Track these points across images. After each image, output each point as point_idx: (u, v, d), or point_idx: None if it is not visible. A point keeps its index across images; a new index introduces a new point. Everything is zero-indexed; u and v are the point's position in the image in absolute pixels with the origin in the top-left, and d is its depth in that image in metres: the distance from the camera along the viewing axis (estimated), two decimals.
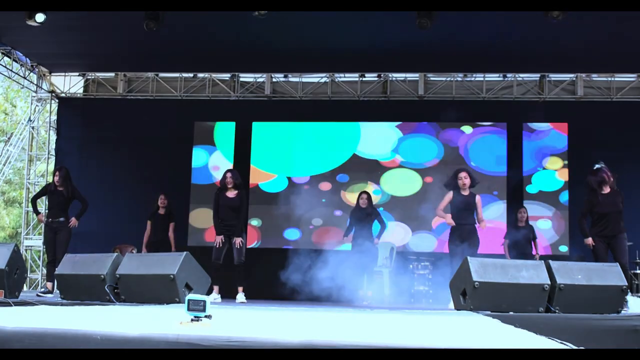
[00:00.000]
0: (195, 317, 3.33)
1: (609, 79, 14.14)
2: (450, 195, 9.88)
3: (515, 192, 13.69)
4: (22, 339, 2.84)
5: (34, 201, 11.01)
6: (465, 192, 9.84)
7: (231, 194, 10.24)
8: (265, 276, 12.42)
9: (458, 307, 7.53)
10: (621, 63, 13.40)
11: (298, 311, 6.69)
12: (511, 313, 6.80)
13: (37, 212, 10.84)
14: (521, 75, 14.25)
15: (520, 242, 11.80)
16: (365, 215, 11.58)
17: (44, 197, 11.85)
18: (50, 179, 15.14)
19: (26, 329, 2.91)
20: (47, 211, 11.21)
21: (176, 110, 14.59)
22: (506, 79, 14.33)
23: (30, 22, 10.87)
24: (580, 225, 9.64)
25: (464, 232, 9.66)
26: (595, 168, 9.65)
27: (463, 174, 9.88)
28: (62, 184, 10.62)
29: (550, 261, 7.59)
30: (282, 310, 6.71)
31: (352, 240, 11.50)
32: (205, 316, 3.35)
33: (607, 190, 9.45)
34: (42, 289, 10.82)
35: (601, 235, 9.39)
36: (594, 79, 14.20)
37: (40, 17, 10.80)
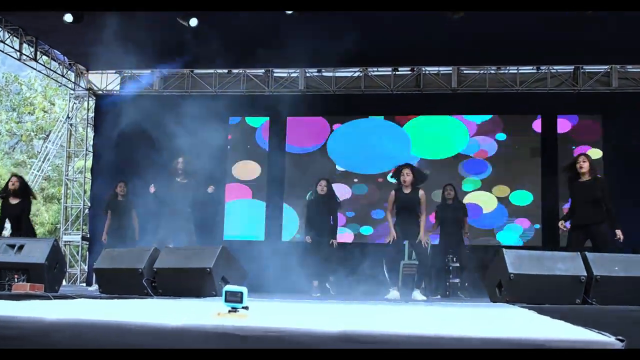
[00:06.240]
0: (232, 308, 3.33)
1: None
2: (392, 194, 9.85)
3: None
4: (62, 329, 2.84)
5: None
6: (408, 190, 9.70)
7: None
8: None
9: (493, 300, 7.47)
10: None
11: (335, 304, 6.67)
12: (547, 305, 6.72)
13: None
14: (555, 67, 14.09)
15: (448, 220, 11.55)
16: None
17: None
18: (89, 175, 15.29)
19: (65, 320, 2.92)
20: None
21: (211, 105, 14.58)
22: (540, 71, 14.18)
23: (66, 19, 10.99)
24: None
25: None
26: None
27: (405, 171, 9.74)
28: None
29: (587, 252, 7.50)
30: (318, 303, 6.69)
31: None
32: (243, 307, 3.34)
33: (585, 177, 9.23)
34: None
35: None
36: (629, 70, 13.99)
37: (68, 17, 10.94)
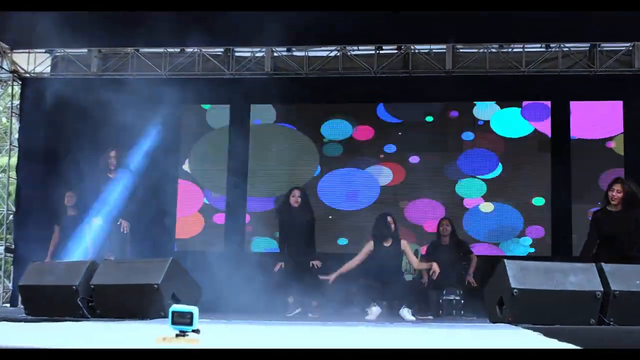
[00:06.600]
0: (180, 331, 3.34)
1: None
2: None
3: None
4: None
5: None
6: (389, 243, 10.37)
7: None
8: None
9: (493, 319, 7.52)
10: None
11: (307, 325, 6.71)
12: (556, 326, 6.79)
13: None
14: (567, 45, 14.16)
15: (444, 263, 11.08)
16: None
17: None
18: (13, 174, 15.17)
19: None
20: None
21: (161, 91, 14.52)
22: (550, 49, 14.24)
23: None
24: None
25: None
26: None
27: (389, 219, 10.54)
28: None
29: (603, 264, 7.55)
30: (283, 325, 6.72)
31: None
32: (193, 330, 3.36)
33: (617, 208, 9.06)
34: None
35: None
36: None
37: None
